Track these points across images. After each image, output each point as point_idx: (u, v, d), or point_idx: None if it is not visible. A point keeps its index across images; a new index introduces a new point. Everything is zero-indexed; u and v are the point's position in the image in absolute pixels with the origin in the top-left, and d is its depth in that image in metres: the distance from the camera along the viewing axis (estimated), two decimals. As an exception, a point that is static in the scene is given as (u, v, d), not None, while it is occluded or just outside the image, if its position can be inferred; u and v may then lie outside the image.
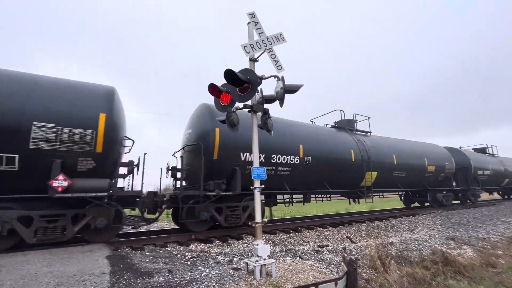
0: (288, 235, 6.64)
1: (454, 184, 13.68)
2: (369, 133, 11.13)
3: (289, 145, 7.59)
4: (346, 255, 5.34)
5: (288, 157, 7.51)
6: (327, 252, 5.56)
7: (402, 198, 14.06)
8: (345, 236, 6.92)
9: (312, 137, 8.46)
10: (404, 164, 10.88)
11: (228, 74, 3.76)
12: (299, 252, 5.37)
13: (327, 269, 4.70)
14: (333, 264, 5.01)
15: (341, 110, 10.58)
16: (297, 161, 7.66)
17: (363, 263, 5.26)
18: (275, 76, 4.34)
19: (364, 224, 8.20)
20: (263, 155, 6.88)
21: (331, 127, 10.71)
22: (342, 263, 4.92)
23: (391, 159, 10.42)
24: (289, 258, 4.96)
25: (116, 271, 3.58)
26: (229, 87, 4.21)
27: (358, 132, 10.76)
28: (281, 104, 4.28)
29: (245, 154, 6.79)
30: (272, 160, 7.18)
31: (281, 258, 4.92)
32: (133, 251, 4.93)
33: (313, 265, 4.64)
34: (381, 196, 11.90)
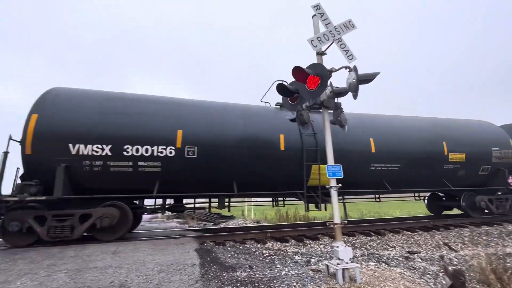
0: (369, 238, 6.11)
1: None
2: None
3: (159, 132, 5.68)
4: (446, 264, 4.55)
5: (156, 149, 5.59)
6: (420, 260, 4.87)
7: (425, 202, 10.08)
8: (441, 243, 5.93)
9: (204, 119, 6.17)
10: (393, 151, 7.42)
11: (297, 70, 3.69)
12: (384, 258, 4.86)
13: (422, 280, 4.11)
14: (429, 274, 4.35)
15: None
16: (170, 153, 5.67)
17: (470, 276, 4.40)
18: (346, 67, 4.05)
19: (467, 229, 6.86)
20: (110, 146, 5.34)
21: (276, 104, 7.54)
22: (442, 274, 4.22)
23: (364, 145, 7.15)
24: (373, 263, 4.54)
25: (204, 263, 3.95)
26: (298, 84, 4.14)
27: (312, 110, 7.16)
28: (355, 96, 3.95)
29: (76, 146, 5.23)
30: (125, 152, 5.42)
31: (363, 262, 4.55)
32: (216, 246, 5.36)
33: (403, 274, 4.13)
34: (348, 199, 8.80)
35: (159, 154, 5.61)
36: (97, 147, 5.33)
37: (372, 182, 7.36)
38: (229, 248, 5.20)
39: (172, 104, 6.32)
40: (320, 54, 4.24)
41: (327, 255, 4.89)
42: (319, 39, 4.10)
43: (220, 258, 4.43)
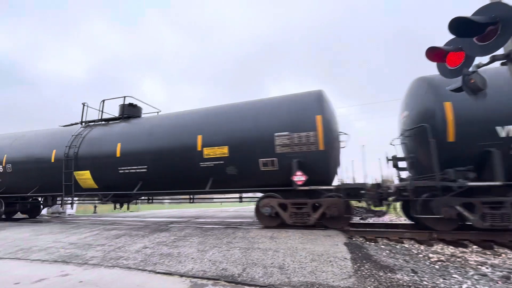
0: None
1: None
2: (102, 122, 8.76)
3: None
4: None
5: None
6: None
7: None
8: None
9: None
10: (138, 153, 7.24)
11: (458, 23, 2.79)
12: None
13: None
14: None
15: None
16: None
17: None
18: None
19: None
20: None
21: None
22: None
23: (111, 151, 7.50)
24: None
25: (356, 259, 3.77)
26: (460, 42, 3.14)
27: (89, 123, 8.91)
28: None
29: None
30: None
31: None
32: (367, 242, 4.99)
33: None
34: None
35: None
36: None
37: (122, 184, 7.61)
38: (382, 246, 4.70)
39: None
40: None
41: (543, 273, 3.38)
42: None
43: (373, 255, 4.08)
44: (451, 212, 4.95)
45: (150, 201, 9.33)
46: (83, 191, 8.23)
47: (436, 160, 5.09)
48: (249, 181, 6.55)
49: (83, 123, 8.99)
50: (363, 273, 3.27)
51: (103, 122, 8.85)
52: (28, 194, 8.93)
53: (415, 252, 4.42)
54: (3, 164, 9.09)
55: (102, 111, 8.92)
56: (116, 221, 9.39)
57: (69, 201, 9.14)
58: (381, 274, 3.26)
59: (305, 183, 5.87)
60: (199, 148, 6.68)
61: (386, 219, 9.38)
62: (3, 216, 10.03)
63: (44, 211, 14.21)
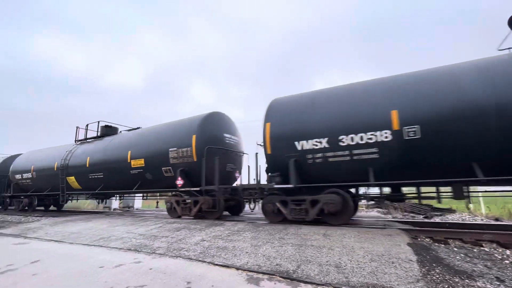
0: None
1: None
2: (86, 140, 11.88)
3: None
4: None
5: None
6: None
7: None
8: None
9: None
10: (98, 163, 10.20)
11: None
12: None
13: None
14: None
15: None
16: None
17: None
18: None
19: None
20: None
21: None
22: None
23: (84, 162, 10.60)
24: None
25: (423, 261, 3.40)
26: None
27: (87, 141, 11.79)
28: None
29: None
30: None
31: None
32: (436, 244, 4.47)
33: None
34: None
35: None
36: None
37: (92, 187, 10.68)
38: (455, 249, 4.15)
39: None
40: None
41: None
42: None
43: (445, 258, 3.63)
44: (273, 208, 6.43)
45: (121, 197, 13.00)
46: (73, 190, 11.58)
47: (259, 168, 7.15)
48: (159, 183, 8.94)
49: (76, 142, 12.23)
50: (434, 277, 2.93)
51: (88, 140, 11.83)
52: (45, 193, 12.60)
53: (499, 257, 3.78)
54: (32, 172, 12.90)
55: (86, 131, 12.05)
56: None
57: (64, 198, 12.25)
58: (456, 280, 2.88)
59: (185, 186, 7.93)
60: (129, 160, 9.30)
61: (457, 217, 8.29)
62: (37, 208, 14.12)
63: (116, 205, 16.38)
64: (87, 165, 10.42)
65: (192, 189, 7.84)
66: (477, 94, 4.66)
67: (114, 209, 16.06)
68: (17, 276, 3.52)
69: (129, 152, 9.18)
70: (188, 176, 7.96)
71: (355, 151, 5.57)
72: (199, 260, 3.92)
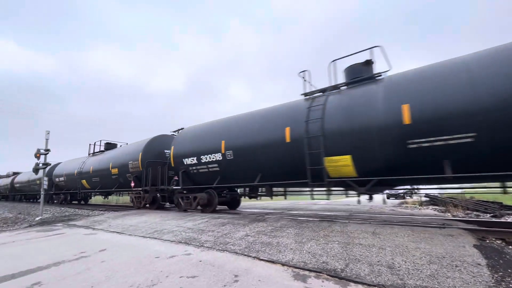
0: None
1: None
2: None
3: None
4: None
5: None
6: None
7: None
8: None
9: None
10: (96, 171, 14.44)
11: None
12: None
13: None
14: None
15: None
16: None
17: None
18: None
19: None
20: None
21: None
22: None
23: (89, 170, 15.14)
24: None
25: (495, 266, 2.99)
26: None
27: (95, 154, 16.52)
28: None
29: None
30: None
31: None
32: (509, 246, 3.90)
33: None
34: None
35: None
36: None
37: (95, 187, 15.27)
38: (537, 253, 3.56)
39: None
40: None
41: None
42: None
43: (523, 264, 3.14)
44: (177, 201, 10.39)
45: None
46: (85, 189, 16.06)
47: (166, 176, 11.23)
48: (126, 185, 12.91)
49: (89, 155, 16.41)
50: (510, 285, 2.56)
51: (98, 152, 15.85)
52: (72, 191, 17.38)
53: None
54: (64, 176, 17.61)
55: (94, 147, 16.26)
56: (220, 210, 10.65)
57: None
58: (540, 289, 2.47)
59: (136, 187, 11.85)
60: (110, 168, 13.41)
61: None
62: (72, 202, 19.72)
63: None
64: (91, 172, 14.75)
65: (139, 189, 11.76)
66: (257, 136, 7.45)
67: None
68: (89, 262, 4.02)
69: (110, 164, 13.29)
70: (139, 180, 11.72)
71: (209, 166, 8.73)
72: (245, 255, 4.02)
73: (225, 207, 11.16)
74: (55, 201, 20.04)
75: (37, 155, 10.77)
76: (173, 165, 9.89)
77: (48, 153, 10.93)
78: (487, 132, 4.37)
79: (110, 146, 16.14)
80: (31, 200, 26.44)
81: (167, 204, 12.24)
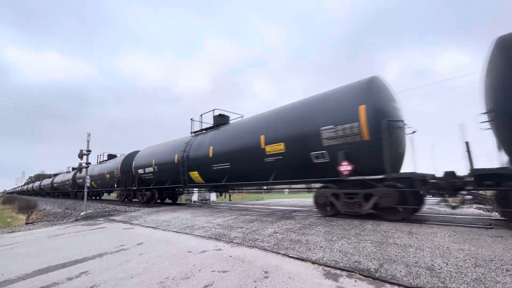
0: None
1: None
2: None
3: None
4: None
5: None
6: None
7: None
8: None
9: None
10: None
11: None
12: None
13: None
14: None
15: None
16: None
17: None
18: None
19: None
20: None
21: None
22: None
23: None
24: None
25: (554, 272, 2.68)
26: None
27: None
28: None
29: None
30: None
31: None
32: None
33: None
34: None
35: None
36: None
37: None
38: None
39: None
40: None
41: None
42: None
43: None
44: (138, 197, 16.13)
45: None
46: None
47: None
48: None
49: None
50: None
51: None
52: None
53: None
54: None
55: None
56: (247, 207, 10.78)
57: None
58: None
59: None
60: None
61: None
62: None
63: (195, 198, 18.37)
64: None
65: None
66: (163, 159, 12.73)
67: (194, 201, 18.02)
68: (128, 254, 4.31)
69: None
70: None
71: (148, 174, 13.61)
72: (274, 252, 4.02)
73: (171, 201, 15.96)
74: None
75: (80, 155, 11.74)
76: (133, 174, 14.79)
77: (89, 153, 11.86)
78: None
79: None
80: (66, 197, 29.49)
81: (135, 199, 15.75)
